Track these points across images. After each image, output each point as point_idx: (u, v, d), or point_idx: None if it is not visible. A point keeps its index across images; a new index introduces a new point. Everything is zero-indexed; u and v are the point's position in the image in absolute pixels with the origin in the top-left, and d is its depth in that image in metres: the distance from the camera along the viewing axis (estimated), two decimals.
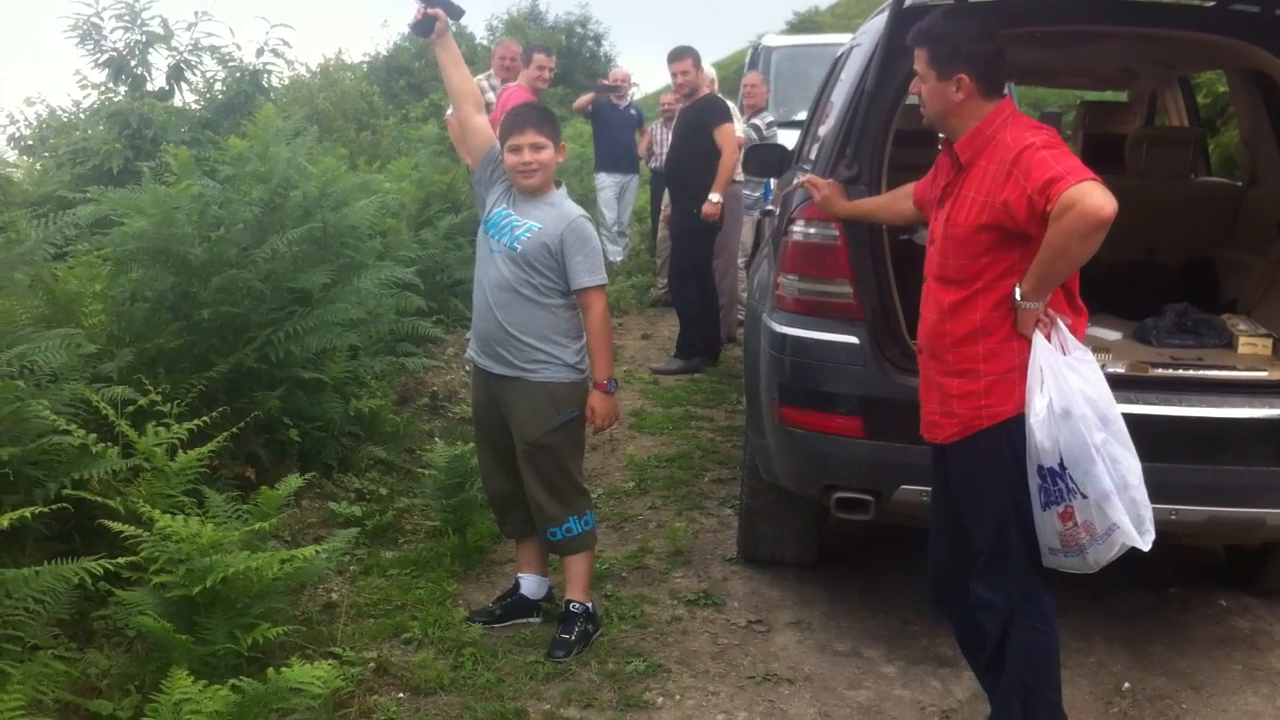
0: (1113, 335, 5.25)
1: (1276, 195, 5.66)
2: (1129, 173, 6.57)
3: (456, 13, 4.54)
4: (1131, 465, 3.40)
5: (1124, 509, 3.35)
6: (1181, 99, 7.96)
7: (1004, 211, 3.36)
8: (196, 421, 4.44)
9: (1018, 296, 3.40)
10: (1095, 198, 3.15)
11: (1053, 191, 3.20)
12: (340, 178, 6.83)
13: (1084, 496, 3.35)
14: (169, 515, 3.74)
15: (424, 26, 4.50)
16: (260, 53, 10.05)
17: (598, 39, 35.39)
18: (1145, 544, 3.41)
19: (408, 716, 4.08)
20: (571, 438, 4.61)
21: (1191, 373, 4.63)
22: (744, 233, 10.20)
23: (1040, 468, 3.40)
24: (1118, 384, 4.33)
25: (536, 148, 4.37)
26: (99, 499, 4.03)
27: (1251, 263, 5.65)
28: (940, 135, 3.81)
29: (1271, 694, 4.51)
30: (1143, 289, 5.78)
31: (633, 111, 12.92)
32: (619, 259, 12.89)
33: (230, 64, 10.09)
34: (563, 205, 4.46)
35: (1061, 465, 3.35)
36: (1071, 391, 3.34)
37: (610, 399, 4.55)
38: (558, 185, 4.55)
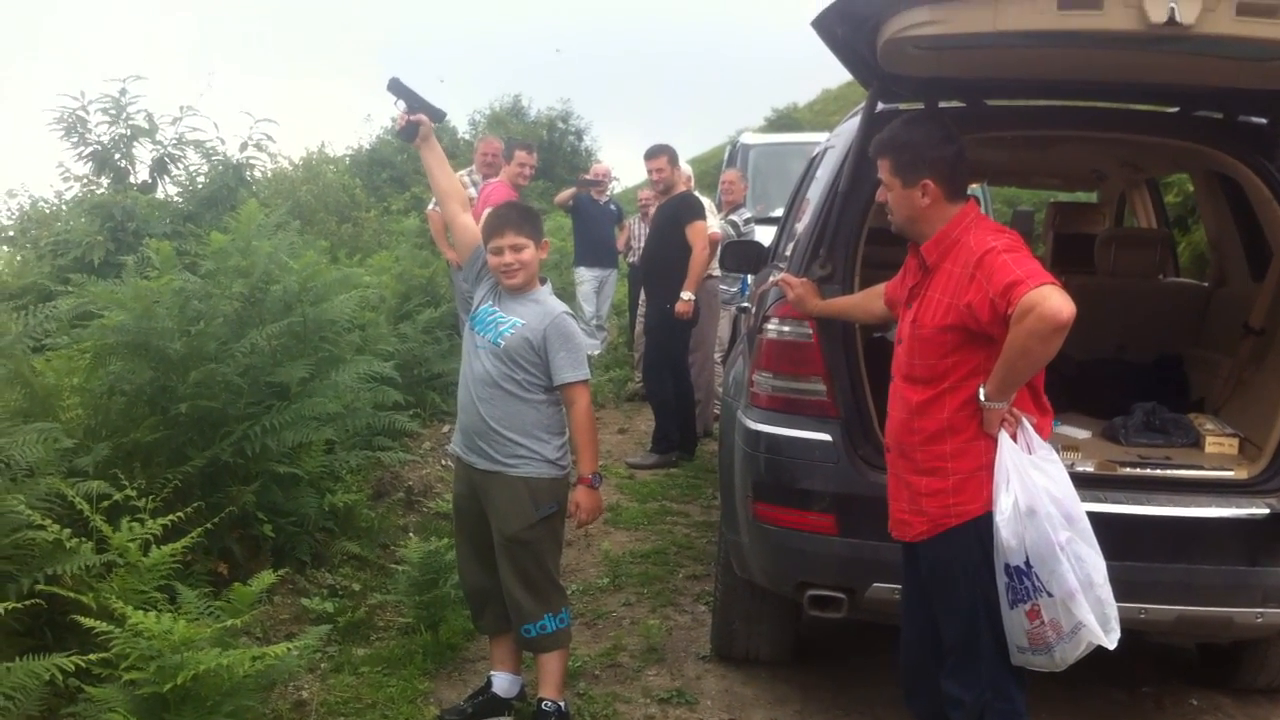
0: (1082, 434, 5.31)
1: (1243, 295, 5.75)
2: (1098, 272, 6.68)
3: (438, 115, 4.63)
4: (1096, 564, 3.44)
5: (1089, 607, 3.39)
6: (1150, 200, 8.12)
7: (968, 313, 3.44)
8: (171, 517, 4.44)
9: (982, 397, 3.47)
10: (1054, 301, 3.23)
11: (1013, 295, 3.28)
12: (321, 272, 6.88)
13: (1050, 595, 3.39)
14: (141, 611, 3.73)
15: (409, 132, 4.60)
16: (244, 147, 10.17)
17: (579, 134, 35.86)
18: (1110, 642, 3.44)
19: None
20: (550, 534, 4.62)
21: (1159, 472, 4.68)
22: (721, 327, 10.29)
23: (1007, 565, 3.44)
24: (1086, 482, 4.41)
25: (517, 248, 4.44)
26: (72, 594, 4.03)
27: (1219, 362, 5.74)
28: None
29: None
30: (1112, 387, 5.84)
31: (612, 207, 13.07)
32: (597, 352, 12.95)
33: (214, 157, 10.19)
34: (546, 302, 4.52)
35: (1028, 563, 3.40)
36: (1037, 490, 3.39)
37: (594, 494, 4.57)
38: (542, 282, 4.62)
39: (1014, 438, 3.50)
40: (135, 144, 9.92)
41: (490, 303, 4.57)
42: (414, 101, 4.60)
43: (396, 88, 4.61)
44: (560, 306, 4.54)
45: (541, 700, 4.64)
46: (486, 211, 4.74)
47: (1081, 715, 5.04)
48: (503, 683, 4.84)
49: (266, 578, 4.44)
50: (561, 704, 4.67)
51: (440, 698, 5.00)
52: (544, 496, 4.52)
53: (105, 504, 4.46)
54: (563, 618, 4.65)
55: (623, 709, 4.97)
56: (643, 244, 10.85)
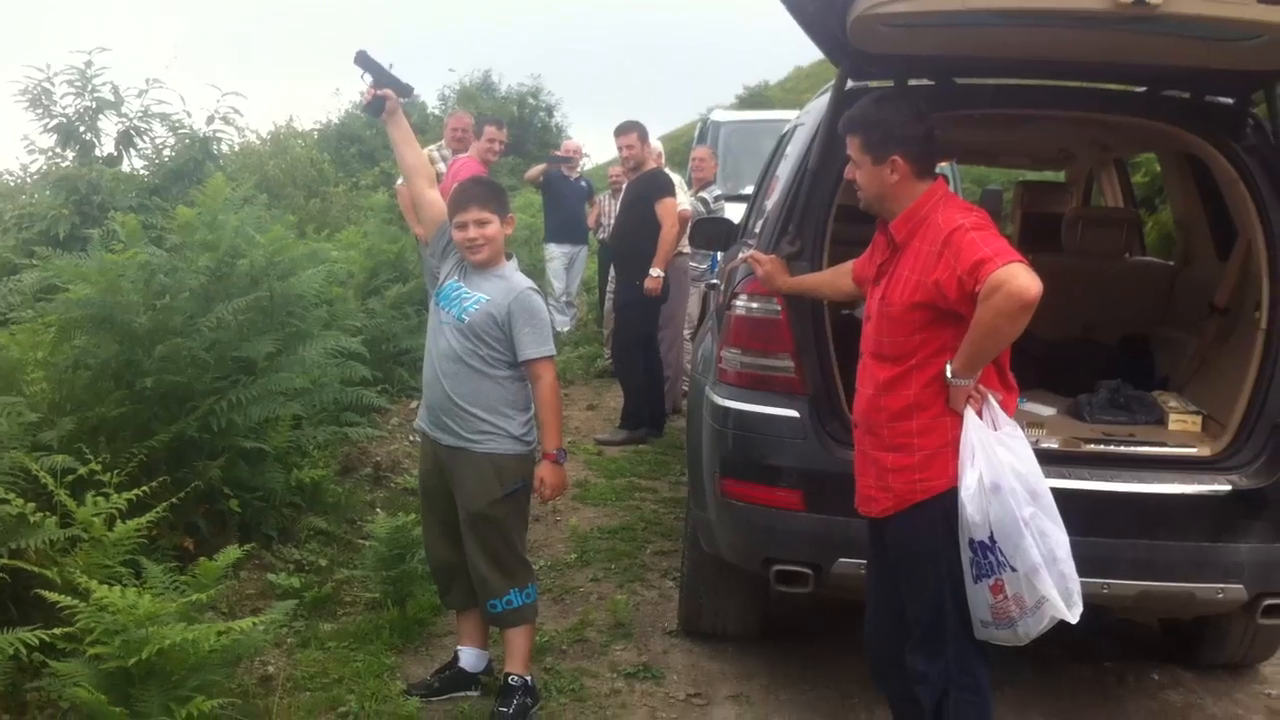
0: (1047, 411, 5.34)
1: (1208, 275, 5.79)
2: (1065, 252, 6.71)
3: (406, 90, 4.60)
4: (1060, 539, 3.47)
5: (1053, 582, 3.42)
6: (1117, 180, 8.16)
7: (936, 291, 3.45)
8: (136, 491, 4.40)
9: (949, 374, 3.48)
10: (1021, 279, 3.24)
11: (981, 273, 3.29)
12: (288, 247, 6.84)
13: (1014, 569, 3.41)
14: (106, 586, 3.71)
15: (375, 107, 4.57)
16: (211, 120, 10.11)
17: (549, 110, 35.72)
18: (1073, 616, 3.47)
19: None
20: (516, 509, 4.62)
21: (1123, 449, 4.72)
22: (690, 304, 10.29)
23: (972, 541, 3.46)
24: (1051, 459, 4.44)
25: (481, 223, 4.43)
26: (35, 569, 4.01)
27: (1184, 341, 5.78)
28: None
29: None
30: (1079, 366, 5.88)
31: (583, 183, 13.05)
32: (566, 329, 12.96)
33: (180, 131, 10.13)
34: (512, 278, 4.51)
35: (992, 539, 3.42)
36: (1001, 466, 3.41)
37: (559, 469, 4.57)
38: (509, 258, 4.61)
39: (980, 414, 3.51)
40: (101, 117, 9.86)
41: (455, 278, 4.56)
42: (381, 76, 4.56)
43: (364, 61, 4.57)
44: (525, 282, 4.53)
45: (508, 675, 4.65)
46: (453, 186, 4.73)
47: (1045, 691, 5.09)
48: (469, 658, 4.84)
49: (232, 553, 4.42)
50: (528, 678, 4.68)
51: (407, 673, 5.00)
52: (509, 473, 4.51)
53: (70, 478, 4.43)
54: (529, 593, 4.65)
55: (590, 684, 4.99)
56: (612, 221, 10.84)
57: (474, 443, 4.47)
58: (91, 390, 5.51)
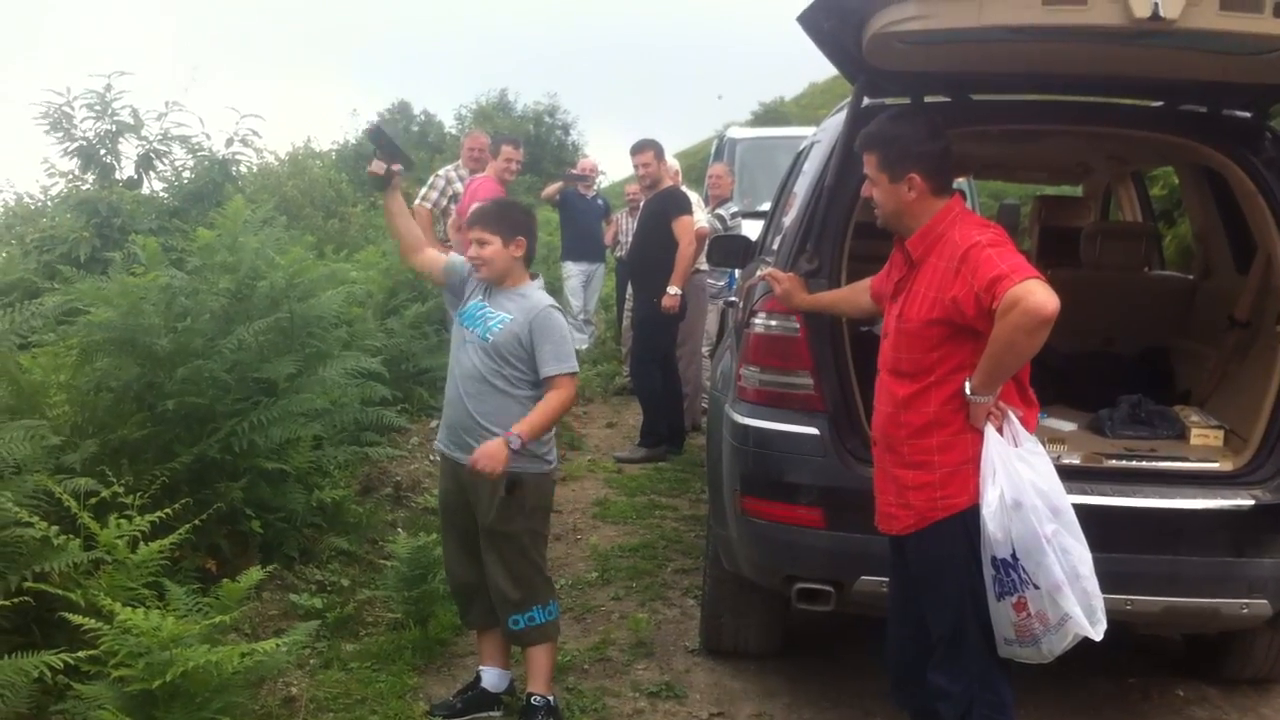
0: (1068, 426, 5.33)
1: (1228, 288, 5.78)
2: (1084, 265, 6.70)
3: (410, 165, 4.69)
4: (1082, 555, 3.46)
5: (1076, 599, 3.41)
6: (1135, 193, 8.15)
7: (953, 307, 3.45)
8: (159, 514, 4.43)
9: (968, 391, 3.48)
10: (1038, 295, 3.24)
11: (998, 289, 3.30)
12: (308, 268, 6.87)
13: (1036, 587, 3.41)
14: (129, 608, 3.73)
15: (381, 182, 4.65)
16: (230, 142, 10.18)
17: (566, 128, 35.85)
18: (1097, 634, 3.46)
19: None
20: (535, 527, 4.63)
21: (1145, 464, 4.71)
22: (709, 321, 10.30)
23: (994, 558, 3.46)
24: (1072, 475, 4.43)
25: (481, 243, 4.49)
26: (59, 592, 4.02)
27: (1204, 354, 5.77)
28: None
29: None
30: (1099, 380, 5.87)
31: (599, 201, 13.07)
32: (584, 347, 12.96)
33: (200, 153, 10.19)
34: (533, 295, 4.54)
35: (1014, 556, 3.41)
36: (1023, 483, 3.41)
37: (501, 449, 4.32)
38: (533, 277, 4.63)
39: (1000, 431, 3.51)
40: (121, 140, 9.92)
41: (479, 298, 4.59)
42: (392, 151, 4.61)
43: (377, 136, 4.63)
44: (547, 300, 4.55)
45: (530, 695, 4.65)
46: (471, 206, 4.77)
47: (1068, 707, 5.06)
48: (492, 677, 4.85)
49: (255, 574, 4.44)
50: (550, 698, 4.68)
51: (429, 693, 5.00)
52: (530, 491, 4.52)
53: (93, 501, 4.45)
54: (550, 610, 4.65)
55: (612, 703, 4.98)
56: (630, 239, 10.86)
57: None
58: (113, 412, 5.54)
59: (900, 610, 3.93)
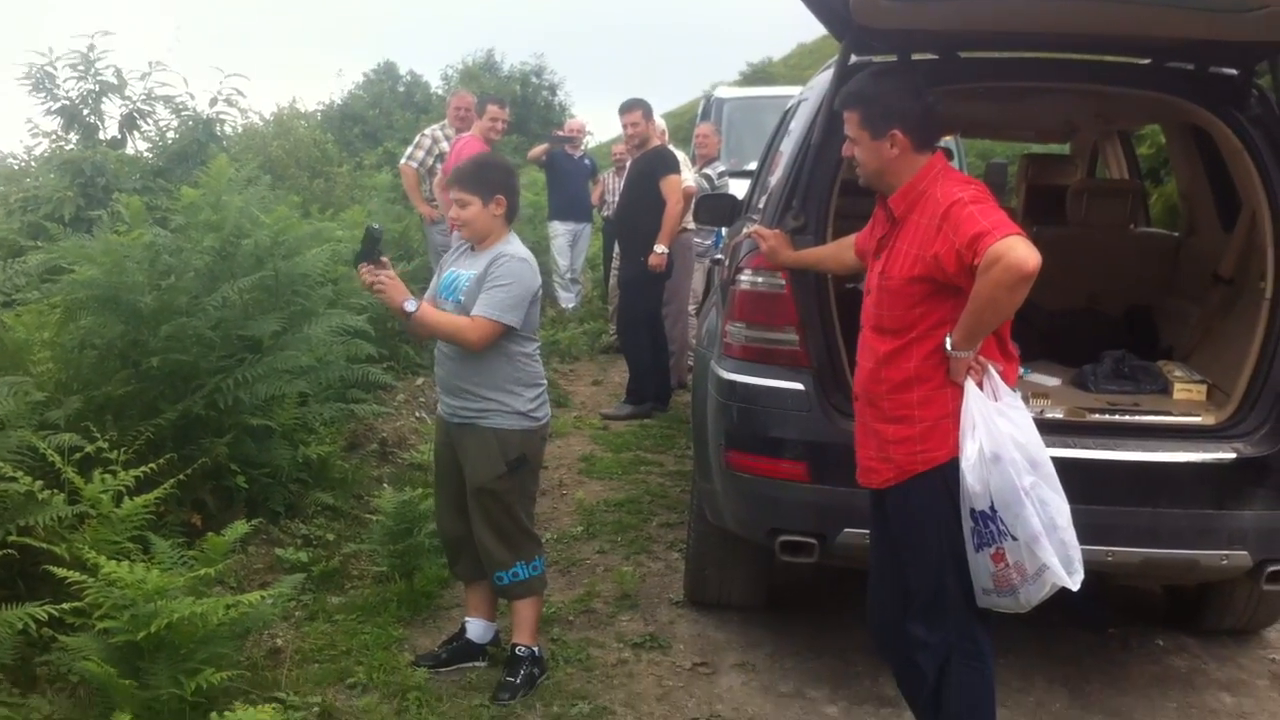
0: (1052, 381, 5.36)
1: (1213, 245, 5.80)
2: (1070, 223, 6.72)
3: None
4: (1060, 507, 3.48)
5: (1053, 550, 3.43)
6: (1122, 151, 8.16)
7: (934, 264, 3.46)
8: (143, 469, 4.43)
9: (949, 346, 3.49)
10: (1020, 252, 3.25)
11: (979, 246, 3.30)
12: (293, 226, 6.84)
13: (1014, 538, 3.43)
14: (114, 561, 3.74)
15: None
16: (214, 102, 10.12)
17: (553, 89, 35.60)
18: (1074, 584, 3.48)
19: None
20: (521, 484, 4.65)
21: (1128, 418, 4.74)
22: (695, 280, 10.31)
23: (973, 511, 3.48)
24: (1056, 429, 4.48)
25: (461, 204, 4.49)
26: (44, 545, 4.03)
27: (1189, 311, 5.79)
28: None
29: None
30: (1084, 337, 5.90)
31: (586, 161, 13.03)
32: (572, 306, 12.98)
33: (184, 113, 10.14)
34: (504, 248, 4.53)
35: (992, 508, 3.43)
36: (1002, 437, 3.43)
37: (398, 298, 4.28)
38: (510, 233, 4.62)
39: (980, 386, 3.53)
40: (104, 100, 9.87)
41: (452, 268, 4.61)
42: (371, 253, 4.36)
43: (374, 236, 4.38)
44: (515, 251, 4.52)
45: (515, 645, 4.69)
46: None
47: (1049, 657, 5.12)
48: (477, 629, 4.88)
49: (240, 528, 4.46)
50: (535, 649, 4.72)
51: (415, 644, 5.04)
52: (514, 449, 4.55)
53: (77, 456, 4.46)
54: (535, 565, 4.68)
55: (596, 653, 5.03)
56: (617, 198, 10.84)
57: (480, 417, 4.50)
58: (98, 370, 5.53)
59: (881, 564, 3.95)
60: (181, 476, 4.74)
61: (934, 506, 3.60)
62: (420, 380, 9.11)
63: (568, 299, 12.95)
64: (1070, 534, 3.50)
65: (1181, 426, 4.65)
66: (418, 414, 8.19)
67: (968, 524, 3.52)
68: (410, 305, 4.30)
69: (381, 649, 4.88)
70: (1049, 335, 5.94)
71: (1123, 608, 5.62)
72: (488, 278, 4.42)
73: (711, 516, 4.99)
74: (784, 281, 4.56)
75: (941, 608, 3.67)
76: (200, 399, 5.52)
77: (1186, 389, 5.04)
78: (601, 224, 12.98)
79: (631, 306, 9.38)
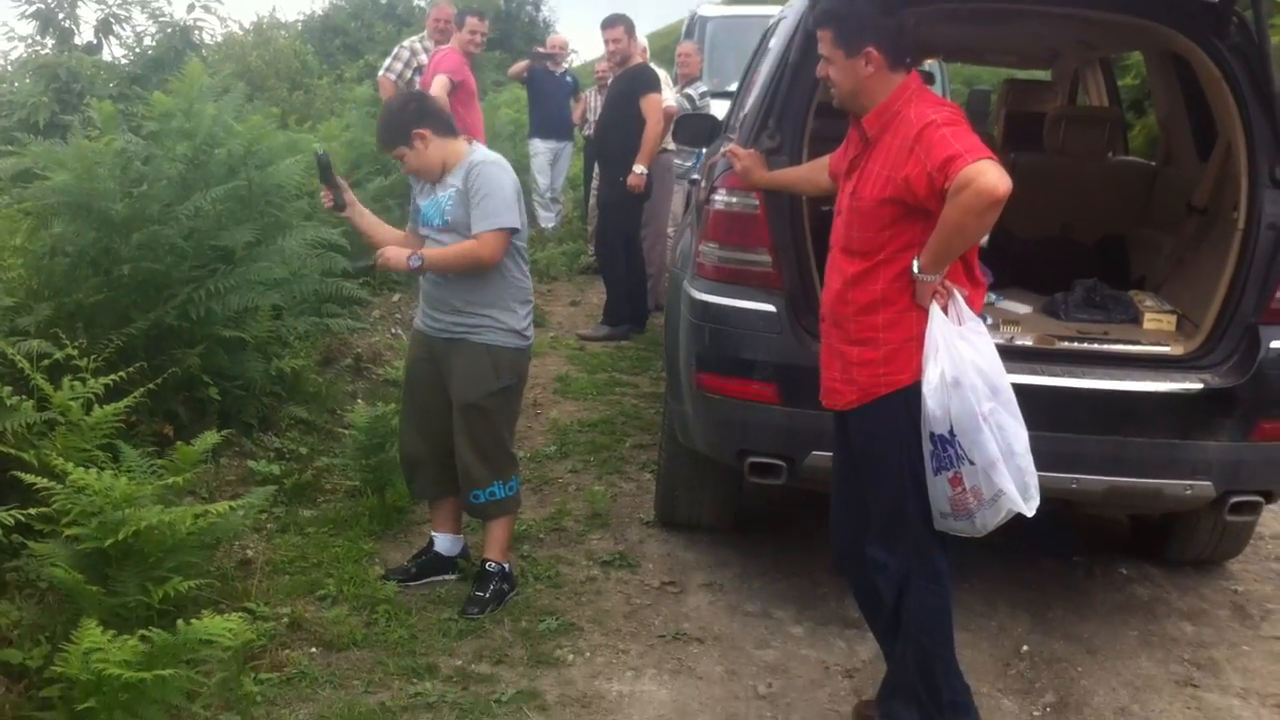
0: (1023, 309, 5.38)
1: (1188, 176, 5.80)
2: (1047, 151, 6.70)
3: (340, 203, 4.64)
4: (1018, 434, 3.50)
5: (1010, 475, 3.46)
6: (1103, 80, 8.12)
7: (905, 187, 3.44)
8: (113, 376, 4.41)
9: (915, 269, 3.49)
10: (990, 176, 3.23)
11: (951, 169, 3.29)
12: (267, 136, 6.77)
13: (972, 463, 3.45)
14: (82, 469, 3.73)
15: (338, 207, 4.62)
16: (191, 8, 10.00)
17: (536, 4, 35.11)
18: (1029, 510, 3.52)
19: (320, 671, 4.15)
20: (507, 404, 4.68)
21: (1096, 346, 4.76)
22: (675, 202, 10.24)
23: (932, 434, 3.50)
24: (1025, 356, 4.50)
25: (400, 160, 4.54)
26: (13, 452, 4.02)
27: (1162, 241, 5.80)
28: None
29: (1165, 659, 4.67)
30: (1057, 265, 5.90)
31: (568, 79, 12.89)
32: (551, 225, 12.90)
33: (160, 19, 10.01)
34: (468, 159, 4.50)
35: (951, 432, 3.45)
36: (963, 362, 3.44)
37: (402, 261, 4.44)
38: (469, 143, 4.60)
39: (945, 310, 3.53)
40: (80, 3, 9.74)
41: (429, 196, 4.58)
42: (328, 179, 4.59)
43: (324, 161, 4.62)
44: (481, 156, 4.52)
45: (486, 561, 4.73)
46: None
47: (1013, 583, 5.19)
48: (444, 543, 4.92)
49: (210, 438, 4.45)
50: (506, 565, 4.76)
51: (385, 558, 5.08)
52: (506, 367, 4.57)
53: (45, 363, 4.43)
54: (511, 485, 4.71)
55: (565, 571, 5.07)
56: (598, 116, 10.75)
57: (472, 333, 4.50)
58: (69, 277, 5.49)
59: (843, 485, 3.98)
60: (152, 386, 4.71)
61: (895, 429, 3.62)
62: (396, 296, 9.09)
63: (547, 219, 12.88)
64: (1028, 460, 3.53)
65: (1150, 356, 4.67)
66: (393, 330, 8.18)
67: (927, 448, 3.54)
68: (415, 260, 4.41)
69: (352, 562, 4.91)
70: (1022, 263, 5.95)
71: (1088, 537, 5.68)
72: (471, 192, 4.40)
73: (682, 438, 5.01)
74: (758, 202, 4.54)
75: (900, 530, 3.71)
76: (172, 309, 5.49)
77: (1156, 319, 5.06)
78: (583, 143, 12.88)
79: (610, 227, 9.34)
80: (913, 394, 3.53)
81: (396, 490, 5.48)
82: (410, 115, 4.50)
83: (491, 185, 4.42)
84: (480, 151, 4.55)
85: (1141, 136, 10.95)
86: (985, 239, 5.75)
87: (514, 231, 4.45)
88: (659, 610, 4.80)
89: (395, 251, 4.46)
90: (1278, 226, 4.46)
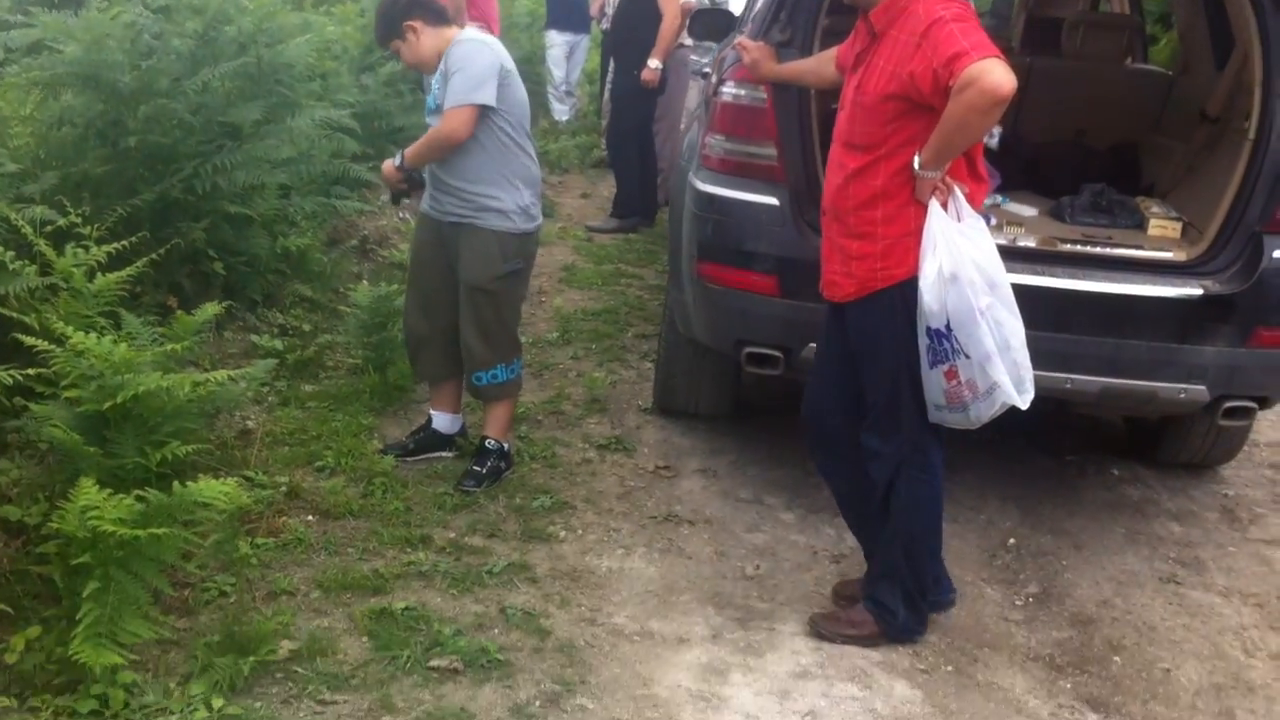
0: (1029, 211, 5.38)
1: (1204, 84, 5.75)
2: (1065, 56, 6.63)
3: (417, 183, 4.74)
4: (1015, 328, 3.53)
5: (1005, 369, 3.50)
6: None
7: (910, 83, 3.43)
8: (116, 245, 4.42)
9: (916, 165, 3.49)
10: (996, 75, 3.22)
11: (956, 66, 3.27)
12: (278, 14, 6.72)
13: (967, 357, 3.49)
14: (82, 333, 3.76)
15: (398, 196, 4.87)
16: None
17: None
18: (1024, 403, 3.56)
19: (315, 538, 4.24)
20: (513, 287, 4.71)
21: (1099, 250, 4.76)
22: (690, 98, 10.14)
23: (929, 328, 3.53)
24: (1027, 257, 4.52)
25: (396, 54, 4.62)
26: (15, 315, 4.05)
27: (1173, 148, 5.77)
28: None
29: (1150, 556, 4.75)
30: (1068, 169, 5.89)
31: None
32: (566, 118, 12.80)
33: None
34: (453, 42, 4.49)
35: (948, 326, 3.48)
36: (961, 257, 3.45)
37: (391, 169, 4.63)
38: (456, 30, 4.58)
39: (944, 206, 3.54)
40: None
41: (429, 90, 4.62)
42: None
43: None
44: (465, 35, 4.51)
45: (485, 439, 4.80)
46: None
47: (1006, 479, 5.26)
48: (443, 421, 4.98)
49: (212, 308, 4.46)
50: (504, 444, 4.83)
51: (384, 433, 5.15)
52: (512, 251, 4.60)
53: (49, 229, 4.44)
54: (513, 369, 4.77)
55: (562, 452, 5.14)
56: (615, 10, 10.61)
57: (478, 219, 4.52)
58: (76, 148, 5.48)
59: (825, 370, 4.01)
60: (155, 256, 4.72)
61: (892, 322, 3.65)
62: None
63: (561, 111, 12.78)
64: (1023, 355, 3.56)
65: (1152, 261, 4.68)
66: (401, 214, 8.15)
67: (923, 341, 3.57)
68: (397, 160, 4.56)
69: (351, 436, 4.98)
70: (1033, 166, 5.93)
71: (1083, 438, 5.73)
72: (449, 66, 4.41)
73: (682, 327, 5.05)
74: (765, 95, 4.52)
75: (895, 420, 3.75)
76: (178, 183, 5.49)
77: (1161, 225, 5.06)
78: (600, 37, 12.73)
79: (622, 120, 9.28)
80: (910, 288, 3.55)
81: (398, 369, 5.52)
82: (400, 8, 4.49)
83: (463, 62, 4.40)
84: (467, 33, 4.54)
85: (1167, 51, 10.81)
86: (995, 141, 5.80)
87: (484, 108, 4.40)
88: (652, 493, 4.87)
89: (388, 163, 4.63)
90: None
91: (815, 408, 4.04)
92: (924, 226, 3.55)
